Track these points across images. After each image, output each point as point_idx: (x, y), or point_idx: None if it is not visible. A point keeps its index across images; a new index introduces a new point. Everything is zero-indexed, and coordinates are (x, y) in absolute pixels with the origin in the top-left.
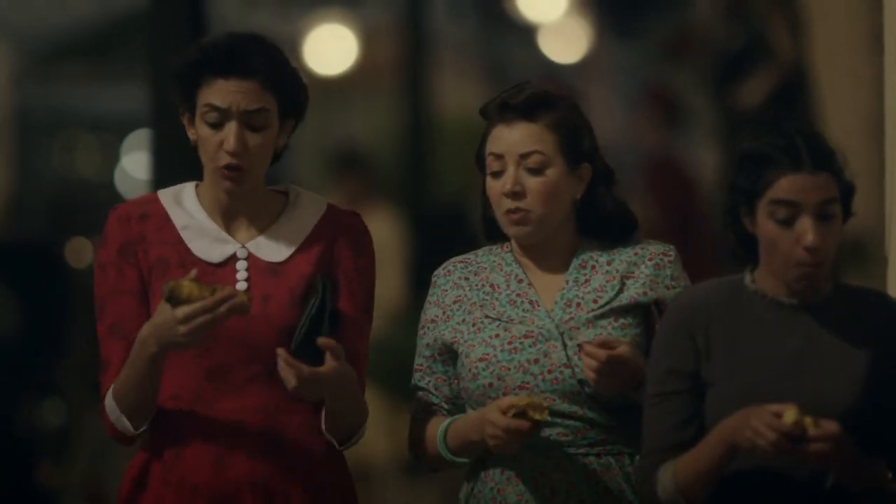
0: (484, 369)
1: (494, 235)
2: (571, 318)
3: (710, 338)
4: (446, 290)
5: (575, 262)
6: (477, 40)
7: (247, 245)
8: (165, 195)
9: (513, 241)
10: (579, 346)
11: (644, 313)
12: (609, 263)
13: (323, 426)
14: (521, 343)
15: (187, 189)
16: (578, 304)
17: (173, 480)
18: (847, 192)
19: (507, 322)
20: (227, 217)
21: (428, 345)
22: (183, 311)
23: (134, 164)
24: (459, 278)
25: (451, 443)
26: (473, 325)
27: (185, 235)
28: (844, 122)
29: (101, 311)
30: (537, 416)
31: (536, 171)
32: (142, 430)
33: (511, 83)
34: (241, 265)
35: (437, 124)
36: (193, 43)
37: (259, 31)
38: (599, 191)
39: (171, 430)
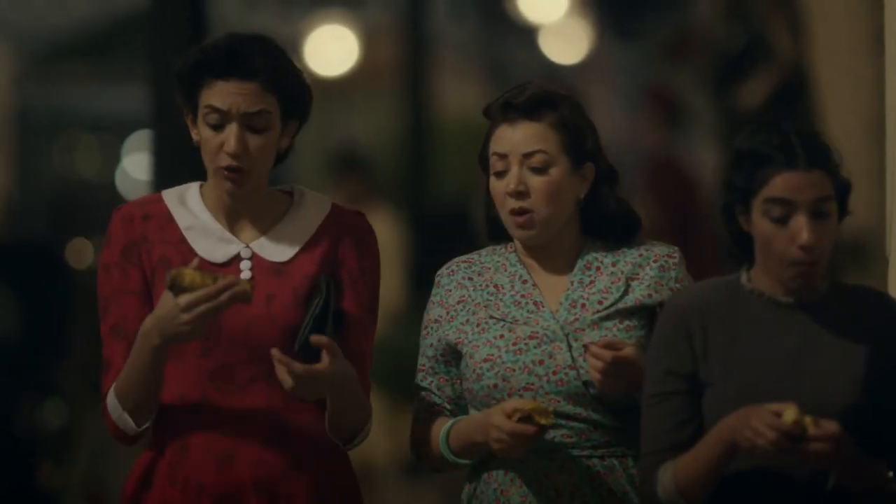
0: (489, 370)
1: (498, 235)
2: (576, 320)
3: (707, 338)
4: (450, 290)
5: (580, 263)
6: (477, 41)
7: (251, 245)
8: (170, 195)
9: (517, 242)
10: (585, 347)
11: (649, 315)
12: (614, 265)
13: (326, 426)
14: (525, 344)
15: (192, 189)
16: (583, 306)
17: (179, 480)
18: (843, 190)
19: (511, 323)
20: (231, 217)
21: (431, 345)
22: (185, 298)
23: (135, 165)
24: (463, 278)
25: (454, 444)
26: (478, 325)
27: (189, 235)
28: (844, 122)
29: (104, 312)
30: (542, 421)
31: (540, 170)
32: (144, 428)
33: (512, 84)
34: (245, 265)
35: (438, 125)
36: (195, 44)
37: (260, 31)
38: (603, 191)
39: (177, 430)
